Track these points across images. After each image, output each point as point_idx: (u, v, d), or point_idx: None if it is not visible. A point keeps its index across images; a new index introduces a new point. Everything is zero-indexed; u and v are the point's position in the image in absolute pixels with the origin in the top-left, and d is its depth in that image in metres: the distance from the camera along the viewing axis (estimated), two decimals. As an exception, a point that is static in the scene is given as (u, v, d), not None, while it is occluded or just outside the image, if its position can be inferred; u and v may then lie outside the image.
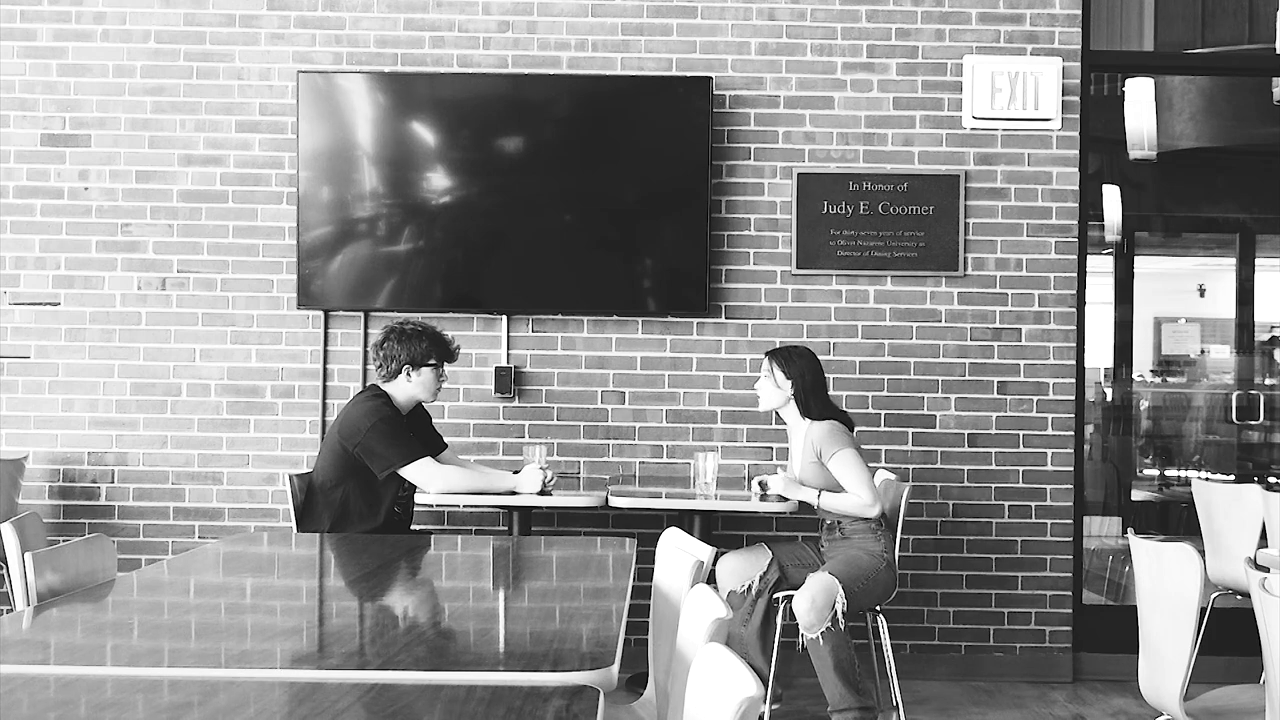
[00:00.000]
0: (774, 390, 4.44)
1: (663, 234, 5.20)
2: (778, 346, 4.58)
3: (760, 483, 4.47)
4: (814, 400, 4.42)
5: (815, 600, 4.05)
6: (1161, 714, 3.26)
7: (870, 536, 4.31)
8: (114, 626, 2.47)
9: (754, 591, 4.35)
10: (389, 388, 4.42)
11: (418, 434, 4.44)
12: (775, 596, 4.41)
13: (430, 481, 4.28)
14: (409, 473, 4.28)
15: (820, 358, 5.14)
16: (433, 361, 4.42)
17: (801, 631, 4.12)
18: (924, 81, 5.21)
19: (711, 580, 4.17)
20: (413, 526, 4.83)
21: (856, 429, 5.17)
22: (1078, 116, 5.21)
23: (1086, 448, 5.60)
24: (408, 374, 4.40)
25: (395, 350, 4.40)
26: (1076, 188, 5.21)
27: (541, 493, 4.39)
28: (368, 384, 4.51)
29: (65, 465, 5.23)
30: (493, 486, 4.40)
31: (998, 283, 5.20)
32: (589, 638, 2.34)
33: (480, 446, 5.18)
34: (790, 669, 4.76)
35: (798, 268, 5.20)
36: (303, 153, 5.11)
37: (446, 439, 4.92)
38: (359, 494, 4.31)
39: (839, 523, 4.39)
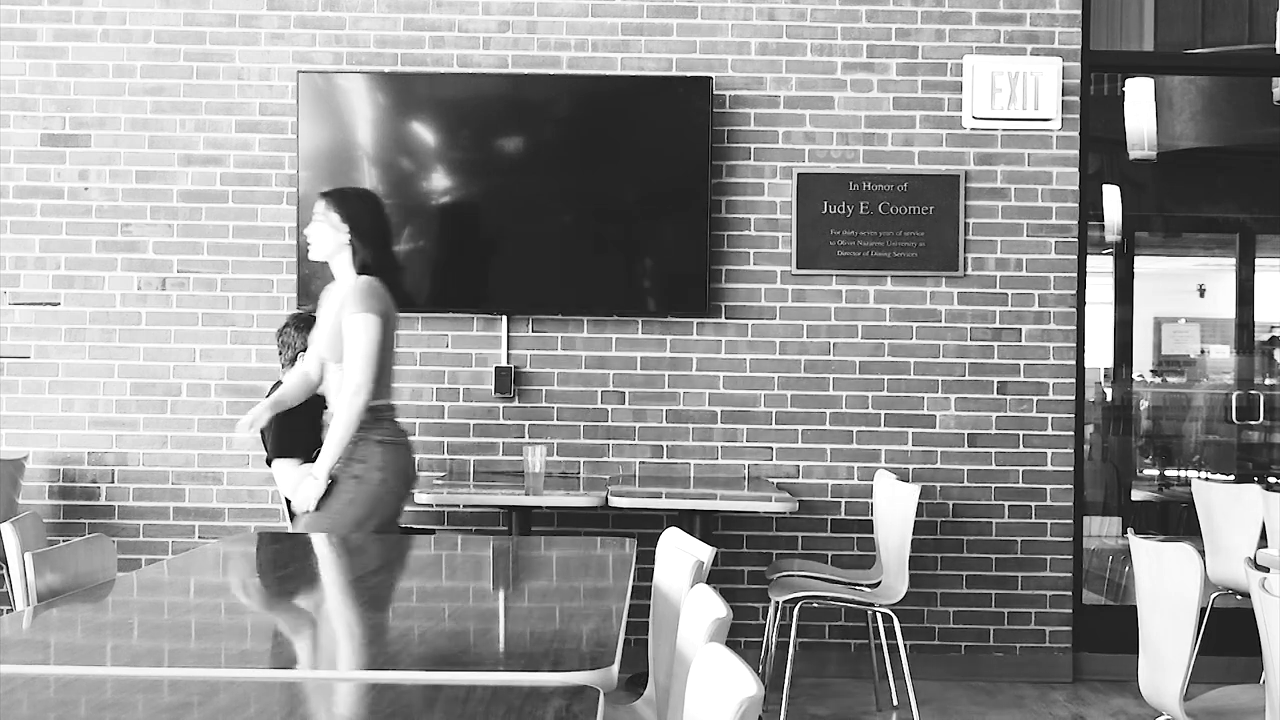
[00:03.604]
0: (330, 234, 3.83)
1: (663, 234, 5.20)
2: (333, 189, 4.08)
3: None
4: (373, 250, 3.83)
5: None
6: (1161, 714, 3.26)
7: (352, 448, 3.67)
8: (114, 626, 2.47)
9: None
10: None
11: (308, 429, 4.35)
12: (781, 600, 4.41)
13: (285, 485, 4.25)
14: (275, 469, 4.27)
15: (820, 358, 5.17)
16: None
17: None
18: (924, 81, 5.21)
19: None
20: (414, 526, 4.84)
21: (855, 429, 5.18)
22: (1078, 116, 5.21)
23: (1086, 448, 5.60)
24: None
25: (292, 338, 4.41)
26: (1076, 188, 5.21)
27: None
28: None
29: (65, 465, 5.22)
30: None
31: (998, 283, 5.20)
32: (589, 638, 2.34)
33: (480, 446, 5.18)
34: (795, 669, 4.75)
35: (798, 268, 5.19)
36: (303, 153, 5.11)
37: (446, 439, 4.93)
38: None
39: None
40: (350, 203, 3.85)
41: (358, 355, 3.62)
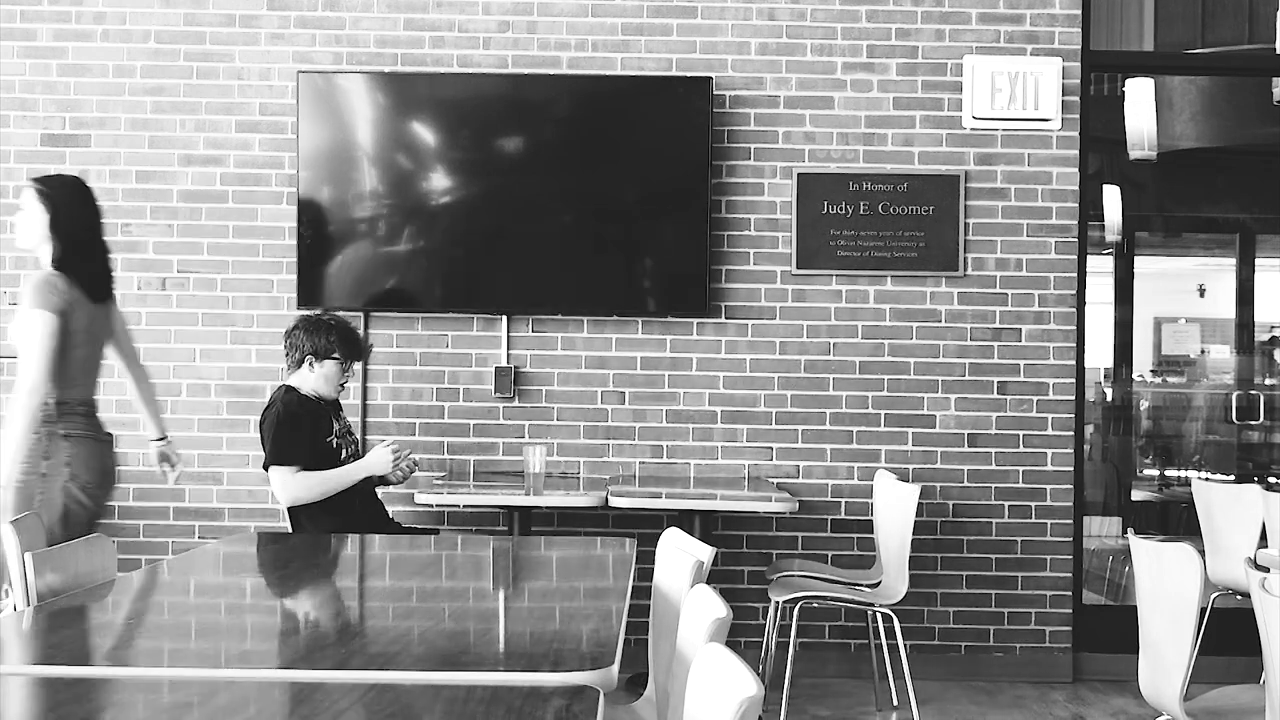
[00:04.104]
0: (34, 223, 3.62)
1: (663, 234, 5.20)
2: (44, 176, 3.85)
3: None
4: (69, 243, 3.60)
5: None
6: (1161, 714, 3.26)
7: (43, 445, 3.47)
8: (114, 626, 2.47)
9: None
10: (294, 380, 4.39)
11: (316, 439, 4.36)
12: (781, 600, 4.41)
13: (279, 491, 4.24)
14: (270, 475, 4.26)
15: (820, 358, 5.17)
16: (336, 356, 4.39)
17: None
18: (924, 81, 5.21)
19: None
20: (415, 526, 4.84)
21: (855, 429, 5.18)
22: (1078, 116, 5.21)
23: (1086, 448, 5.60)
24: (310, 364, 4.36)
25: (300, 340, 4.40)
26: (1076, 188, 5.21)
27: (396, 476, 4.44)
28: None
29: (65, 465, 5.21)
30: (340, 479, 4.29)
31: (998, 283, 5.20)
32: (589, 638, 2.34)
33: (480, 446, 5.18)
34: (795, 669, 4.76)
35: (798, 268, 5.19)
36: (303, 153, 5.11)
37: (446, 439, 4.91)
38: None
39: None
40: (55, 191, 3.65)
41: (30, 354, 3.42)
